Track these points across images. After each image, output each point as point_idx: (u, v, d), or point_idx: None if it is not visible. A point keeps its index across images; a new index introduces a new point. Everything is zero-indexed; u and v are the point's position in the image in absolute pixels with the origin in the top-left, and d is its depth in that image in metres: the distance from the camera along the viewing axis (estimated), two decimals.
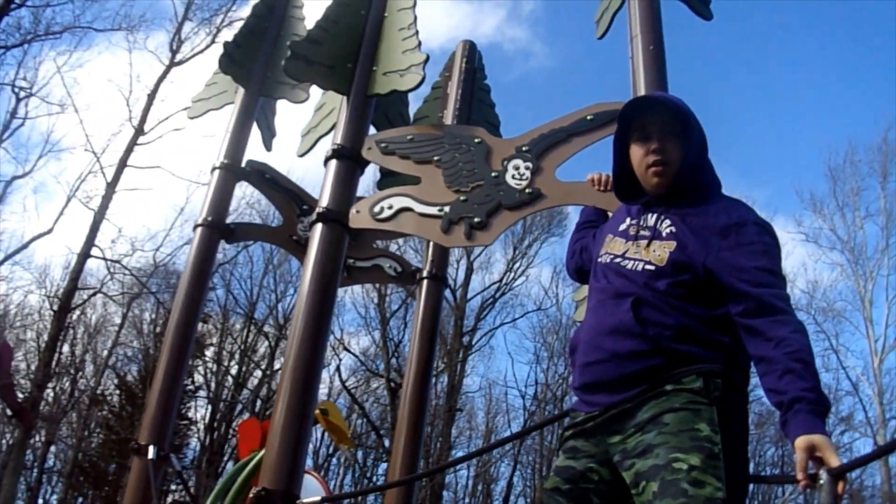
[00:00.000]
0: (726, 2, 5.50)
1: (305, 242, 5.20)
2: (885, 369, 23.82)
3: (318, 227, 4.74)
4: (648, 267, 2.59)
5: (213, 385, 30.05)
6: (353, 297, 30.00)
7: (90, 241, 23.24)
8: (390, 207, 4.65)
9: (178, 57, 26.31)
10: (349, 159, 4.92)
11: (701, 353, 2.44)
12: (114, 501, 26.22)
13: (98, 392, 30.06)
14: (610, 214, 3.37)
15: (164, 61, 26.14)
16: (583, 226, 3.47)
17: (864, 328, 24.34)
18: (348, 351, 30.23)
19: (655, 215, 2.73)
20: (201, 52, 26.37)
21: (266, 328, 30.94)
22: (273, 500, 4.07)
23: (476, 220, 4.40)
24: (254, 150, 6.39)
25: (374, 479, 30.12)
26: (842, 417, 25.21)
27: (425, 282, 6.55)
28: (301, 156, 6.11)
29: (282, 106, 6.98)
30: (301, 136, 6.23)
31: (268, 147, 6.89)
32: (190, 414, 29.73)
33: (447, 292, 24.72)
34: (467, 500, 32.63)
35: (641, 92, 4.46)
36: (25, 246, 25.25)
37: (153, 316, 30.20)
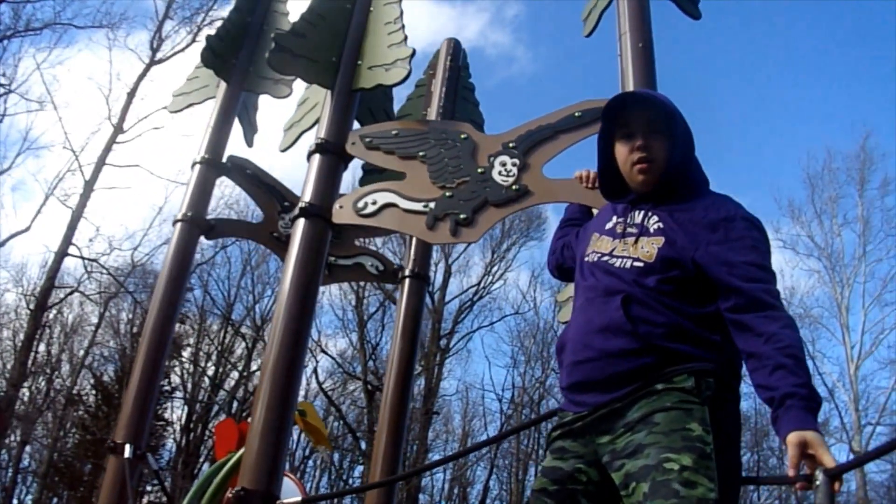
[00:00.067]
0: (707, 3, 5.46)
1: (286, 239, 5.14)
2: (860, 376, 24.08)
3: (301, 222, 4.67)
4: (637, 264, 2.56)
5: (189, 386, 29.99)
6: (330, 300, 30.04)
7: (68, 240, 23.16)
8: (374, 203, 4.58)
9: (159, 55, 26.30)
10: (333, 154, 4.85)
11: (692, 352, 2.41)
12: (89, 502, 26.06)
13: (74, 392, 29.96)
14: (595, 212, 3.35)
15: (145, 59, 26.14)
16: (566, 223, 3.45)
17: (841, 334, 24.60)
18: (325, 353, 30.29)
19: (642, 212, 2.70)
20: (182, 50, 26.38)
21: (243, 329, 30.96)
22: (253, 501, 4.01)
23: (462, 216, 4.35)
24: (235, 146, 6.33)
25: (351, 481, 30.16)
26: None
27: (407, 280, 6.50)
28: (283, 150, 6.05)
29: (263, 102, 6.91)
30: (283, 131, 6.17)
31: (249, 143, 6.80)
32: (166, 415, 29.68)
33: None
34: None
35: (631, 90, 4.42)
36: (2, 244, 25.14)
37: (130, 316, 30.16)
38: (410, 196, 4.54)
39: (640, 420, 2.35)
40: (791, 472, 2.15)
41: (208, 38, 6.28)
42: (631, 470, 2.28)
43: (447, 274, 30.40)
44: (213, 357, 30.81)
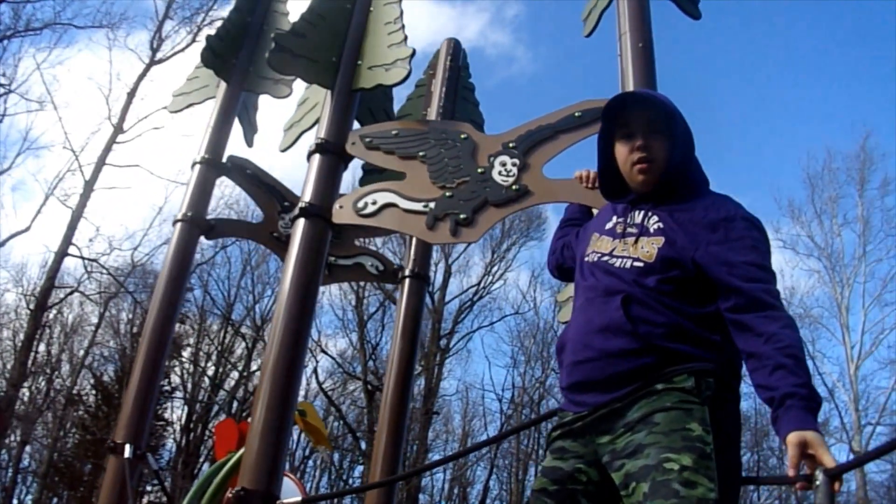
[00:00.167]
0: (707, 3, 5.46)
1: (286, 239, 5.14)
2: (860, 376, 24.07)
3: (301, 222, 4.66)
4: (637, 264, 2.55)
5: (189, 386, 29.98)
6: (330, 300, 30.02)
7: (68, 240, 23.14)
8: (374, 203, 4.58)
9: (159, 55, 26.30)
10: (333, 154, 4.85)
11: (692, 352, 2.41)
12: (89, 502, 26.05)
13: (74, 392, 29.95)
14: (595, 212, 3.35)
15: (145, 59, 26.13)
16: (566, 223, 3.45)
17: (841, 334, 24.59)
18: (325, 353, 30.28)
19: (642, 212, 2.69)
20: (182, 50, 26.37)
21: (243, 329, 30.94)
22: (253, 501, 4.00)
23: (462, 216, 4.34)
24: (235, 146, 6.33)
25: (351, 481, 30.14)
26: None
27: (407, 280, 6.50)
28: (283, 150, 6.04)
29: (263, 102, 6.91)
30: (283, 131, 6.16)
31: (249, 143, 6.80)
32: (166, 415, 29.67)
33: None
34: None
35: (630, 90, 4.42)
36: (2, 244, 25.12)
37: (130, 316, 30.15)
38: (410, 196, 4.53)
39: (640, 420, 2.34)
40: (791, 473, 2.15)
41: (208, 37, 6.28)
42: (631, 470, 2.28)
43: (447, 274, 30.42)
44: (213, 357, 30.82)
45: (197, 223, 5.86)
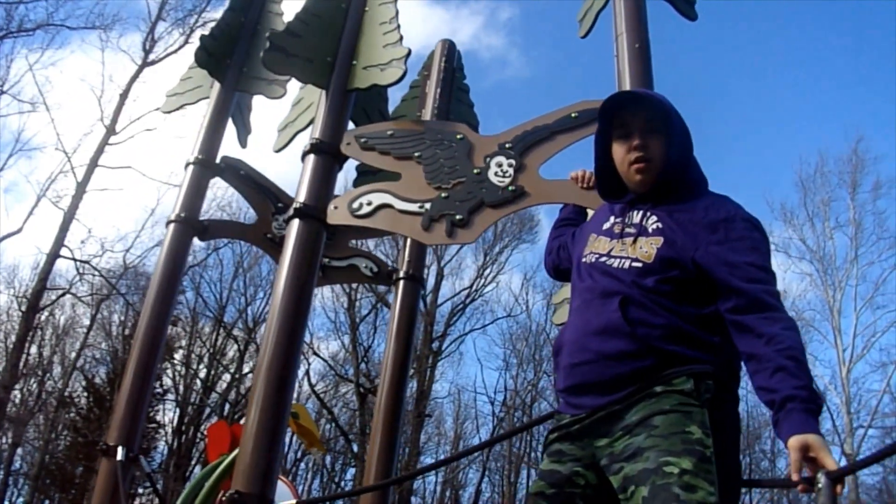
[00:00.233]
0: (703, 4, 5.47)
1: (280, 241, 5.12)
2: (852, 378, 24.09)
3: (295, 222, 4.63)
4: (635, 264, 2.53)
5: (181, 388, 29.95)
6: (322, 302, 30.00)
7: (59, 242, 23.11)
8: (369, 204, 4.55)
9: (151, 57, 26.31)
10: (327, 154, 4.82)
11: (691, 354, 2.38)
12: None
13: (66, 394, 29.91)
14: (589, 213, 3.33)
15: (137, 61, 26.12)
16: (561, 223, 3.44)
17: (833, 337, 24.62)
18: (317, 355, 30.29)
19: (641, 212, 2.67)
20: (174, 52, 26.36)
21: (235, 331, 30.91)
22: None
23: (458, 217, 4.32)
24: (229, 147, 6.30)
25: (343, 484, 30.16)
26: None
27: (401, 282, 6.46)
28: (278, 151, 6.01)
29: (257, 103, 6.89)
30: (278, 132, 6.14)
31: (243, 144, 6.77)
32: (158, 417, 29.65)
33: None
34: None
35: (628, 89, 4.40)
36: None
37: (122, 318, 30.15)
38: (406, 197, 4.51)
39: (638, 423, 2.32)
40: (794, 477, 2.12)
41: (202, 37, 6.24)
42: (630, 473, 2.25)
43: (439, 276, 30.43)
44: (205, 359, 30.81)
45: (190, 224, 5.82)
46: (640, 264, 2.52)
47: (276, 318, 4.42)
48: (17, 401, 27.26)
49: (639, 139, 2.67)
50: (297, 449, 29.30)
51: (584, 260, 2.72)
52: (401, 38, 4.94)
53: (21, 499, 29.85)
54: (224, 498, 4.05)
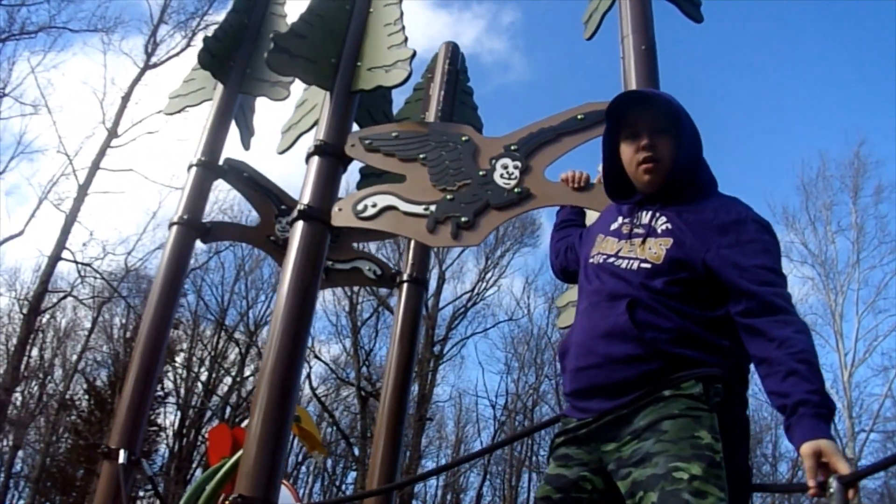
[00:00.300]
0: (708, 6, 5.45)
1: (283, 243, 5.10)
2: (854, 383, 24.00)
3: (299, 224, 4.61)
4: (644, 265, 2.51)
5: (182, 391, 29.94)
6: (324, 305, 29.97)
7: (61, 244, 23.13)
8: (374, 206, 4.52)
9: (153, 60, 26.36)
10: (332, 156, 4.80)
11: (700, 357, 2.36)
12: None
13: (67, 397, 29.91)
14: (589, 213, 3.30)
15: (139, 64, 26.15)
16: (563, 224, 3.41)
17: (835, 341, 24.53)
18: (319, 359, 30.27)
19: (650, 213, 2.65)
20: (176, 55, 26.40)
21: (237, 335, 30.90)
22: None
23: (463, 219, 4.29)
24: (232, 149, 6.28)
25: (344, 487, 30.13)
26: None
27: (405, 285, 6.44)
28: (281, 153, 5.99)
29: (260, 105, 6.87)
30: (281, 133, 6.12)
31: (246, 146, 6.76)
32: (159, 420, 29.66)
33: None
34: None
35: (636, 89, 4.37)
36: None
37: (123, 321, 30.14)
38: (411, 199, 4.48)
39: (647, 427, 2.29)
40: (810, 483, 2.10)
41: (206, 38, 6.22)
42: (638, 479, 2.23)
43: (441, 280, 30.42)
44: (207, 362, 30.81)
45: (193, 226, 5.80)
46: (648, 265, 2.50)
47: (279, 321, 4.40)
48: (18, 403, 27.28)
49: (647, 139, 2.65)
50: (299, 452, 29.27)
51: (591, 261, 2.70)
52: (406, 39, 4.92)
53: (22, 501, 29.89)
54: (227, 502, 4.03)
